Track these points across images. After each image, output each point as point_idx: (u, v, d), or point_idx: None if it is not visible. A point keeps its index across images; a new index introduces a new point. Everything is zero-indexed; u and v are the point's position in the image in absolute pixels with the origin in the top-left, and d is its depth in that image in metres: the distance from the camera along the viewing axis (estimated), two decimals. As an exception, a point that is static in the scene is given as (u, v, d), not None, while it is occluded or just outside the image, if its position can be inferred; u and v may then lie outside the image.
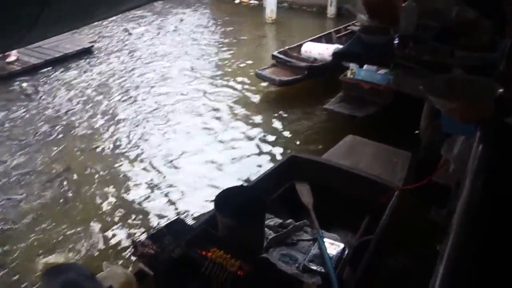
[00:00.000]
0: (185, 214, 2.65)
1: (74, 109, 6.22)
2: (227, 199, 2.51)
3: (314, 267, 2.43)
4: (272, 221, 2.86)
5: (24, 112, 6.15)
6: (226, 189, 2.66)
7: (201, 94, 6.51)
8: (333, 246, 2.64)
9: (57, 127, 5.71)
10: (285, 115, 5.75)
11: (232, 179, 4.38)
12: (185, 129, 5.56)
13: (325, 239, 2.66)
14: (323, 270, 2.41)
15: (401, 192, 3.01)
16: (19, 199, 4.29)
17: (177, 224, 2.58)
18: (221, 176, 4.53)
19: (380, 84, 4.94)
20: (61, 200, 4.26)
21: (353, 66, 5.36)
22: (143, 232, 2.56)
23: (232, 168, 4.70)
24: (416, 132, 4.02)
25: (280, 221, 2.85)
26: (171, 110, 6.05)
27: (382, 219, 2.75)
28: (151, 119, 5.85)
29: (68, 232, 3.82)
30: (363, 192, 3.07)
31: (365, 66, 5.24)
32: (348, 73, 5.35)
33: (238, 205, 2.44)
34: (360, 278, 2.39)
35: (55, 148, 5.21)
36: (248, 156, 4.91)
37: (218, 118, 5.78)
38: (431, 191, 2.94)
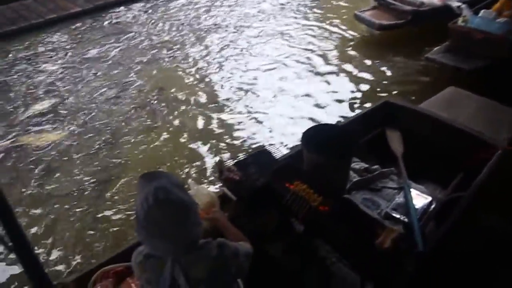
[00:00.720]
0: (271, 146, 2.66)
1: (172, 39, 6.43)
2: (316, 136, 2.47)
3: (397, 216, 2.35)
4: (358, 164, 2.79)
5: (125, 40, 6.50)
6: (315, 125, 2.62)
7: (295, 32, 6.35)
8: (419, 198, 2.53)
9: (154, 55, 5.98)
10: (382, 61, 5.46)
11: (323, 117, 4.39)
12: (279, 65, 5.53)
13: (411, 190, 2.55)
14: (406, 220, 2.33)
15: (504, 152, 2.75)
16: (118, 119, 4.68)
17: (263, 155, 2.61)
18: (313, 113, 4.53)
19: (496, 34, 4.42)
20: (150, 120, 4.60)
21: (466, 12, 4.83)
22: (230, 158, 2.63)
23: (324, 107, 4.66)
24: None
25: (366, 165, 2.77)
26: (267, 46, 6.02)
27: (479, 177, 2.55)
28: (248, 53, 5.89)
29: (156, 148, 4.15)
30: (460, 147, 2.85)
31: (480, 13, 4.70)
32: (460, 20, 4.84)
33: (326, 143, 2.39)
34: (445, 233, 2.28)
35: (151, 73, 5.52)
36: (339, 97, 4.81)
37: (310, 58, 5.64)
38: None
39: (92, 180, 3.83)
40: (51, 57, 6.17)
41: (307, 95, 4.87)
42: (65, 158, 4.14)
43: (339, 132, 2.59)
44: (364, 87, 4.96)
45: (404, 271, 1.93)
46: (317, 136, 2.49)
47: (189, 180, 2.42)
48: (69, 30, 6.93)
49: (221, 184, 2.51)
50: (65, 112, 4.88)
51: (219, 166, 2.49)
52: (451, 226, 2.27)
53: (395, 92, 4.77)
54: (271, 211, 2.39)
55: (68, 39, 6.66)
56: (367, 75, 5.18)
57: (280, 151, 2.65)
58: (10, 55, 6.27)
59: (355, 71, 5.28)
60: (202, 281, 1.48)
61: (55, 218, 3.48)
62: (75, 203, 3.61)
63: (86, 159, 4.12)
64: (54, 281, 2.06)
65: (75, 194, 3.71)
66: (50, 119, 4.77)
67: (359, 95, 4.82)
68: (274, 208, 2.35)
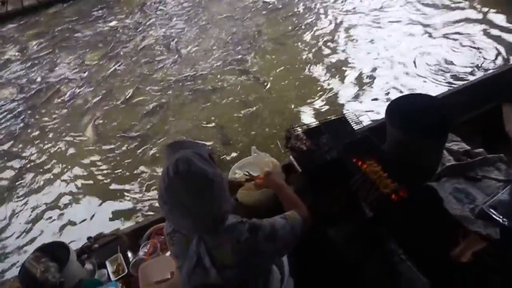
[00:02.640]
0: (352, 114, 2.31)
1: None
2: (405, 107, 2.05)
3: (495, 216, 1.88)
4: (457, 145, 2.32)
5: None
6: (405, 95, 2.18)
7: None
8: (532, 197, 2.00)
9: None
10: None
11: (435, 82, 3.89)
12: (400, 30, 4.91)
13: (523, 185, 2.03)
14: (506, 223, 1.85)
15: None
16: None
17: (339, 124, 2.29)
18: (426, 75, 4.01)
19: None
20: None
21: None
22: (302, 125, 2.34)
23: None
24: None
25: (468, 148, 2.28)
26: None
27: None
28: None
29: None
30: None
31: None
32: None
33: (416, 117, 1.98)
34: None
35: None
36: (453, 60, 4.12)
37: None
38: None
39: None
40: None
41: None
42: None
43: (435, 104, 2.11)
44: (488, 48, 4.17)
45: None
46: (407, 108, 2.06)
47: (252, 147, 2.20)
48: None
49: (287, 153, 2.27)
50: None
51: (287, 133, 2.25)
52: None
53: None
54: (338, 189, 2.11)
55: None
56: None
57: (360, 122, 2.29)
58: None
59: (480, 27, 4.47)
60: (230, 266, 1.33)
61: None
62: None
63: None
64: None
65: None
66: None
67: (479, 56, 4.08)
68: (342, 187, 2.06)
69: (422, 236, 1.67)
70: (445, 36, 4.48)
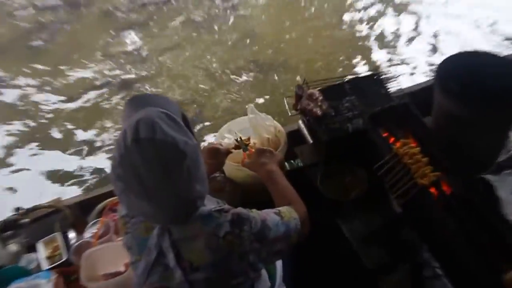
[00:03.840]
0: (388, 72, 1.77)
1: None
2: (463, 70, 1.54)
3: None
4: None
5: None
6: (465, 52, 1.65)
7: None
8: None
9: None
10: None
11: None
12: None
13: None
14: None
15: None
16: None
17: (370, 83, 1.80)
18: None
19: None
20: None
21: None
22: (320, 80, 1.80)
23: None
24: None
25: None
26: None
27: None
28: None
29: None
30: None
31: None
32: None
33: (479, 83, 1.48)
34: None
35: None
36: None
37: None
38: None
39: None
40: None
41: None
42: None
43: (507, 67, 1.58)
44: None
45: None
46: (467, 69, 1.55)
47: (249, 105, 1.70)
48: None
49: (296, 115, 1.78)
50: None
51: (297, 89, 1.73)
52: None
53: None
54: (359, 172, 1.72)
55: None
56: None
57: (398, 82, 1.78)
58: None
59: None
60: (200, 268, 0.99)
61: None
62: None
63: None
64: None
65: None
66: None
67: None
68: (365, 170, 1.68)
69: (466, 248, 1.26)
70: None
